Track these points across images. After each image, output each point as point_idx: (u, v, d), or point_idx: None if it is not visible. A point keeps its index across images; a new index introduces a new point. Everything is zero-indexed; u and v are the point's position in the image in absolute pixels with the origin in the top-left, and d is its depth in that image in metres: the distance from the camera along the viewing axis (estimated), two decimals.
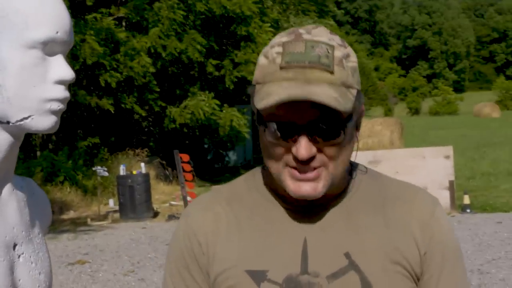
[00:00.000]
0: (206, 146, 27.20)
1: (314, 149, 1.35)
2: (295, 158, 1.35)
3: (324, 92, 1.31)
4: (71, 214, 17.57)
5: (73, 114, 22.03)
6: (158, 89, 21.33)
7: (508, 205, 15.13)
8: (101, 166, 17.84)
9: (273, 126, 1.35)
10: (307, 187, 1.37)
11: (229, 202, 1.54)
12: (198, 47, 20.19)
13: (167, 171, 22.12)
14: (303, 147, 1.33)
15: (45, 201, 1.59)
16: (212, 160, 27.68)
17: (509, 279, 8.67)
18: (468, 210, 14.43)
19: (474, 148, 30.89)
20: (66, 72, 1.35)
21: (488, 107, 67.67)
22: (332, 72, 1.34)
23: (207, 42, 20.74)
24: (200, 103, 20.75)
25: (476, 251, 10.40)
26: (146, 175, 16.74)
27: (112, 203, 17.71)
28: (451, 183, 14.50)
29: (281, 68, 1.35)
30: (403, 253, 1.44)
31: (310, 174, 1.36)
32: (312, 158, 1.35)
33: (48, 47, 1.33)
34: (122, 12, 21.03)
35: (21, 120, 1.32)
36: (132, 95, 21.40)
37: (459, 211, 14.50)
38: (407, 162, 14.84)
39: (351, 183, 1.52)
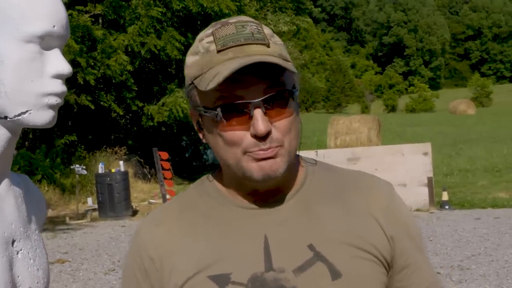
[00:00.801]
0: (184, 144, 27.16)
1: (269, 124, 1.34)
2: (254, 138, 1.34)
3: (269, 58, 1.32)
4: (49, 213, 17.45)
5: None
6: (135, 88, 21.27)
7: (485, 201, 15.25)
8: (79, 164, 17.74)
9: (225, 108, 1.35)
10: (269, 164, 1.36)
11: (181, 211, 1.50)
12: (177, 44, 20.16)
13: (145, 169, 22.06)
14: (260, 121, 1.32)
15: (40, 197, 1.58)
16: (190, 157, 27.66)
17: (489, 275, 8.72)
18: (447, 207, 14.52)
19: (450, 145, 31.10)
20: (63, 66, 1.34)
21: (464, 104, 68.08)
22: (268, 45, 1.36)
23: (185, 39, 20.70)
24: (178, 100, 20.73)
25: (456, 247, 10.46)
26: (125, 173, 16.67)
27: (90, 202, 17.60)
28: (429, 179, 14.58)
29: (218, 51, 1.35)
30: (368, 240, 1.43)
31: (270, 152, 1.35)
32: (268, 135, 1.34)
33: (45, 41, 1.32)
34: (98, 9, 20.93)
35: (19, 115, 1.31)
36: (110, 94, 21.32)
37: (437, 208, 14.59)
38: (386, 159, 14.91)
39: (304, 176, 1.51)
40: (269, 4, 27.88)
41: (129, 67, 20.14)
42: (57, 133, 21.90)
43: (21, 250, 1.39)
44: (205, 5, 20.17)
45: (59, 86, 1.34)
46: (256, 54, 1.33)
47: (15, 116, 1.31)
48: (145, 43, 20.07)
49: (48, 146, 20.42)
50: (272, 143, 1.35)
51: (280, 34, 30.82)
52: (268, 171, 1.36)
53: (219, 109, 1.35)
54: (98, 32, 19.88)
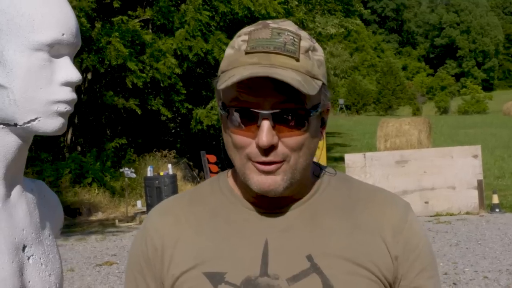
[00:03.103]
0: None
1: (276, 138, 1.32)
2: (258, 147, 1.33)
3: (288, 74, 1.30)
4: (99, 216, 17.68)
5: (101, 116, 22.17)
6: (184, 91, 21.41)
7: None
8: (129, 168, 17.92)
9: (235, 111, 1.35)
10: (268, 180, 1.35)
11: (190, 204, 1.52)
12: (224, 47, 20.24)
13: (194, 172, 22.18)
14: (265, 133, 1.31)
15: (56, 203, 1.59)
16: None
17: None
18: (497, 210, 14.31)
19: (503, 147, 30.64)
20: (72, 74, 1.35)
21: None
22: (297, 60, 1.33)
23: None
24: None
25: (505, 251, 10.30)
26: (173, 176, 16.77)
27: (139, 205, 17.78)
28: (479, 182, 14.38)
29: (246, 53, 1.34)
30: (371, 257, 1.40)
31: (271, 166, 1.34)
32: (273, 148, 1.33)
33: (54, 49, 1.33)
34: (148, 14, 21.13)
35: (28, 122, 1.33)
36: (158, 97, 21.51)
37: (487, 211, 14.39)
38: (435, 161, 14.75)
39: (318, 185, 1.49)
40: (318, 6, 27.82)
41: (178, 70, 20.28)
42: (108, 137, 22.16)
43: (32, 255, 1.40)
44: (252, 8, 20.20)
45: (69, 94, 1.35)
46: (280, 65, 1.31)
47: (24, 123, 1.33)
48: (192, 47, 20.19)
49: (98, 150, 20.68)
50: (276, 157, 1.34)
51: (328, 36, 30.68)
52: (265, 188, 1.36)
53: (232, 110, 1.35)
54: (147, 37, 20.09)
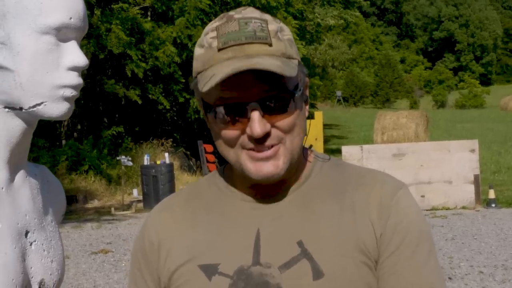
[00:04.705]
0: None
1: (268, 125, 1.34)
2: (251, 138, 1.34)
3: (267, 61, 1.30)
4: (95, 203, 17.67)
5: (99, 103, 22.12)
6: (183, 80, 21.40)
7: None
8: (125, 156, 17.91)
9: (222, 110, 1.35)
10: (268, 166, 1.36)
11: (187, 200, 1.53)
12: None
13: (191, 162, 22.17)
14: (257, 124, 1.32)
15: (59, 188, 1.58)
16: None
17: None
18: (493, 205, 14.32)
19: (500, 142, 30.65)
20: (79, 58, 1.34)
21: None
22: (270, 44, 1.34)
23: None
24: None
25: (501, 246, 10.31)
26: (170, 165, 16.77)
27: (136, 193, 17.78)
28: (476, 177, 14.39)
29: (219, 50, 1.34)
30: (361, 238, 1.39)
31: (268, 152, 1.35)
32: (267, 135, 1.34)
33: (61, 33, 1.32)
34: (148, 2, 21.09)
35: (34, 106, 1.31)
36: (158, 86, 21.48)
37: (484, 206, 14.39)
38: (432, 155, 14.75)
39: (310, 171, 1.49)
40: None
41: (177, 59, 20.26)
42: (105, 125, 22.13)
43: (35, 241, 1.39)
44: None
45: (75, 78, 1.34)
46: (256, 54, 1.32)
47: (30, 107, 1.31)
48: (192, 35, 20.16)
49: (95, 137, 20.65)
50: (272, 141, 1.35)
51: (327, 27, 30.64)
52: (266, 173, 1.36)
53: (218, 109, 1.35)
54: (147, 25, 20.07)
